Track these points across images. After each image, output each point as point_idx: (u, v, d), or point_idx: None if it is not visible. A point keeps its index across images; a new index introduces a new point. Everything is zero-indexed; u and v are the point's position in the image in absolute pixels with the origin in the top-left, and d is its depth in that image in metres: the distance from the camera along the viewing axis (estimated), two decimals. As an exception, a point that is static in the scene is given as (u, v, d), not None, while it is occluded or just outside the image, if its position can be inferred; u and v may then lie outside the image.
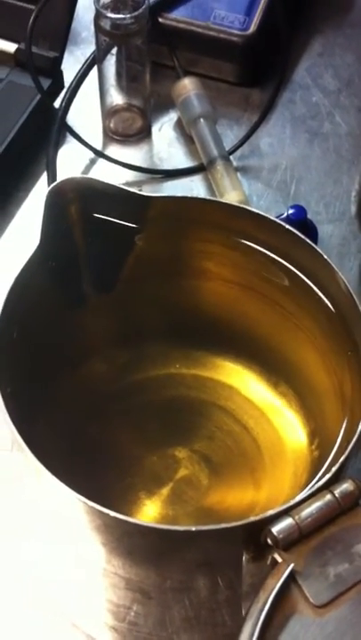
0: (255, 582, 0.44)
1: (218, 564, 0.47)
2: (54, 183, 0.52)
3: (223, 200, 0.67)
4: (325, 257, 0.51)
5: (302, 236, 0.52)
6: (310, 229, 0.69)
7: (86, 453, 0.57)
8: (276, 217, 0.67)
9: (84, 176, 0.53)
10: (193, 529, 0.42)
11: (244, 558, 0.45)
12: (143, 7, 0.70)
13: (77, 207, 0.53)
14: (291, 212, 0.68)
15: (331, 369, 0.54)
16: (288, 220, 0.67)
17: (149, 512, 0.55)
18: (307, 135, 0.78)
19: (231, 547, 0.45)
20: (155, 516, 0.55)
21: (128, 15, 0.70)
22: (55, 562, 0.56)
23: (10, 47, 0.76)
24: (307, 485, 0.52)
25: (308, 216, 0.69)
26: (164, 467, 0.57)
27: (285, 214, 0.68)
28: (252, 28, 0.77)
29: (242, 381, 0.60)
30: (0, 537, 0.58)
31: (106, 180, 0.53)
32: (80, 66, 0.77)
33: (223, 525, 0.42)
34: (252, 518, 0.42)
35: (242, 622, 0.42)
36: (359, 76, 0.82)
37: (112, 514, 0.42)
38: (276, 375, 0.59)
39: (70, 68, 0.77)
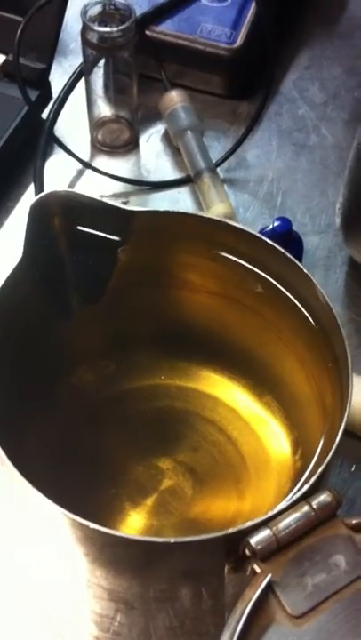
0: (238, 592, 0.44)
1: (201, 574, 0.47)
2: (37, 196, 0.52)
3: (205, 214, 0.67)
4: (305, 270, 0.51)
5: (281, 249, 0.52)
6: (296, 241, 0.70)
7: (72, 463, 0.57)
8: (262, 229, 0.68)
9: (68, 190, 0.54)
10: (172, 541, 0.42)
11: (225, 569, 0.45)
12: (130, 20, 0.70)
13: (61, 220, 0.53)
14: (276, 224, 0.68)
15: (312, 380, 0.54)
16: (273, 232, 0.67)
17: (134, 523, 0.55)
18: (293, 147, 0.78)
19: (213, 557, 0.45)
20: (140, 527, 0.55)
21: (115, 28, 0.70)
22: (42, 571, 0.56)
23: (-2, 58, 0.77)
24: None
25: (294, 228, 0.69)
26: (148, 477, 0.57)
27: (271, 226, 0.68)
28: (239, 41, 0.78)
29: (226, 392, 0.60)
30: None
31: (89, 194, 0.54)
32: (68, 77, 0.78)
33: (202, 537, 0.42)
34: (231, 530, 0.43)
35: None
36: (346, 88, 0.83)
37: (92, 526, 0.42)
38: (261, 386, 0.59)
39: (58, 79, 0.78)
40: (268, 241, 0.52)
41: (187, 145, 0.75)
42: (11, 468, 0.44)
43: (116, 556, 0.46)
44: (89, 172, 0.75)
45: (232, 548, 0.44)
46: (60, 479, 0.53)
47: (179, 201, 0.75)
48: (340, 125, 0.80)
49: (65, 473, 0.56)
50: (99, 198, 0.53)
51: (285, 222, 0.68)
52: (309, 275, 0.51)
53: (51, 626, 0.56)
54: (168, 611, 0.50)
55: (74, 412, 0.59)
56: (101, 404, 0.60)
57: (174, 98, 0.77)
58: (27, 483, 0.44)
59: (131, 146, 0.78)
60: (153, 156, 0.78)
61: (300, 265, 0.51)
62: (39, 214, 0.52)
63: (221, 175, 0.75)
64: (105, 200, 0.53)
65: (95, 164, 0.76)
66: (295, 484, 0.53)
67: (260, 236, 0.53)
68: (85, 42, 0.71)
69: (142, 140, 0.78)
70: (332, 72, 0.84)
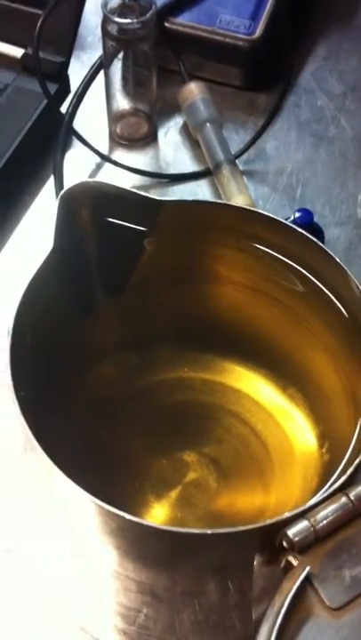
0: (267, 586, 0.44)
1: (229, 568, 0.47)
2: (67, 186, 0.52)
3: (233, 203, 0.67)
4: (337, 259, 0.51)
5: (315, 240, 0.52)
6: (317, 233, 0.69)
7: (96, 456, 0.57)
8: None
9: (96, 180, 0.53)
10: (209, 532, 0.42)
11: (256, 562, 0.45)
12: (150, 12, 0.70)
13: (89, 211, 0.53)
14: (297, 215, 0.68)
15: (342, 373, 0.54)
16: (295, 223, 0.67)
17: (158, 515, 0.55)
18: (312, 139, 0.78)
19: (244, 550, 0.45)
20: (163, 519, 0.55)
21: (135, 20, 0.70)
22: (65, 565, 0.56)
23: (17, 52, 0.76)
24: (317, 489, 0.52)
25: (315, 220, 0.69)
26: (172, 470, 0.57)
27: (292, 218, 0.68)
28: (258, 32, 0.77)
29: (250, 385, 0.60)
30: (8, 537, 0.58)
31: (117, 184, 0.53)
32: (87, 70, 0.77)
33: (240, 528, 0.42)
34: (269, 521, 0.43)
35: (251, 626, 0.42)
36: (364, 79, 0.82)
37: (128, 517, 0.42)
38: (285, 378, 0.59)
39: (77, 72, 0.77)
40: (300, 230, 0.51)
41: (206, 137, 0.75)
42: (44, 458, 0.44)
43: (147, 548, 0.46)
44: (108, 165, 0.75)
45: (265, 540, 0.44)
46: (83, 472, 0.53)
47: (198, 194, 0.74)
48: (359, 117, 0.79)
49: (89, 466, 0.55)
50: (128, 188, 0.53)
51: (307, 214, 0.68)
52: (343, 265, 0.50)
53: (72, 619, 0.55)
54: (194, 605, 0.50)
55: (97, 405, 0.59)
56: (125, 398, 0.59)
57: (193, 90, 0.76)
58: (60, 472, 0.43)
59: (149, 139, 0.78)
60: (172, 148, 0.77)
61: (331, 253, 0.51)
62: (68, 206, 0.52)
63: (241, 167, 0.75)
64: (134, 190, 0.53)
65: (114, 157, 0.76)
66: (323, 478, 0.53)
67: (289, 224, 0.53)
68: (105, 34, 0.71)
69: (161, 132, 0.78)
70: (350, 63, 0.83)
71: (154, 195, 0.73)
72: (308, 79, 0.82)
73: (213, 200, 0.56)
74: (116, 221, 0.54)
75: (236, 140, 0.77)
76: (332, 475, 0.50)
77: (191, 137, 0.77)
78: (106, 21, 0.70)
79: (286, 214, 0.69)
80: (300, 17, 0.84)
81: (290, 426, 0.58)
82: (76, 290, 0.56)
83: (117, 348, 0.60)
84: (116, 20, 0.70)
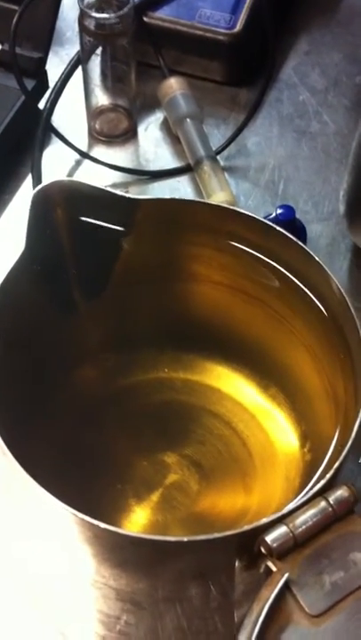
0: (248, 590, 0.43)
1: (210, 572, 0.46)
2: (39, 186, 0.51)
3: (211, 201, 0.66)
4: (317, 259, 0.50)
5: (293, 238, 0.51)
6: (299, 229, 0.69)
7: (76, 458, 0.56)
8: (265, 217, 0.67)
9: (70, 179, 0.53)
10: (185, 539, 0.42)
11: (236, 566, 0.44)
12: (128, 6, 0.69)
13: (63, 210, 0.52)
14: (279, 211, 0.67)
15: (323, 372, 0.53)
16: (277, 220, 0.66)
17: (139, 519, 0.55)
18: (294, 134, 0.77)
19: (224, 555, 0.44)
20: (145, 522, 0.55)
21: (113, 15, 0.69)
22: (44, 570, 0.55)
23: (-7, 48, 0.75)
24: (300, 490, 0.51)
25: (297, 216, 0.68)
26: (153, 472, 0.56)
27: (274, 214, 0.67)
28: (238, 26, 0.76)
29: (231, 385, 0.59)
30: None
31: (92, 183, 0.53)
32: (65, 66, 0.76)
33: (216, 535, 0.41)
34: (246, 527, 0.42)
35: (234, 630, 0.41)
36: (346, 74, 0.81)
37: (103, 526, 0.41)
38: (267, 378, 0.59)
39: (55, 68, 0.77)
40: (279, 229, 0.51)
41: (186, 133, 0.74)
42: (17, 467, 0.43)
43: (125, 555, 0.46)
44: (87, 162, 0.74)
45: (245, 546, 0.43)
46: (63, 475, 0.53)
47: (179, 190, 0.74)
48: (341, 112, 0.79)
49: (69, 469, 0.55)
50: (102, 187, 0.52)
51: (289, 210, 0.67)
52: (322, 264, 0.50)
53: (52, 625, 0.55)
54: (176, 610, 0.49)
55: (77, 407, 0.58)
56: (105, 399, 0.59)
57: (173, 85, 0.76)
58: (34, 482, 0.43)
59: (129, 135, 0.77)
60: (152, 144, 0.77)
61: (311, 253, 0.50)
62: (41, 205, 0.51)
63: (222, 163, 0.74)
64: (108, 189, 0.52)
65: (93, 153, 0.75)
66: (305, 478, 0.52)
67: (269, 223, 0.52)
68: (83, 29, 0.70)
69: (141, 128, 0.77)
70: (332, 58, 0.82)
71: (134, 191, 0.73)
72: (289, 74, 0.81)
73: (190, 198, 0.55)
74: (92, 221, 0.53)
75: (217, 136, 0.76)
76: (315, 475, 0.50)
77: (172, 133, 0.76)
78: (83, 16, 0.69)
79: (268, 210, 0.69)
80: (281, 11, 0.83)
81: (272, 426, 0.58)
82: (53, 290, 0.55)
83: (97, 349, 0.59)
84: (94, 14, 0.69)
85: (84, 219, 0.53)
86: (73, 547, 0.47)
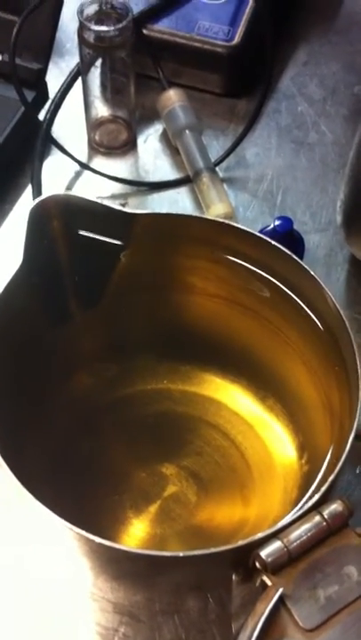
0: (246, 602, 0.43)
1: (207, 585, 0.47)
2: (37, 199, 0.51)
3: (207, 216, 0.67)
4: (312, 273, 0.50)
5: (288, 252, 0.51)
6: (297, 240, 0.69)
7: (73, 469, 0.56)
8: (263, 228, 0.67)
9: (68, 193, 0.53)
10: (181, 554, 0.42)
11: (233, 580, 0.44)
12: (127, 19, 0.69)
13: (61, 223, 0.53)
14: (277, 223, 0.67)
15: (319, 384, 0.54)
16: (275, 231, 0.66)
17: (137, 532, 0.55)
18: (293, 145, 0.77)
19: (220, 568, 0.44)
20: (143, 535, 0.55)
21: (112, 27, 0.69)
22: (42, 583, 0.55)
23: (-7, 59, 0.75)
24: (298, 502, 0.51)
25: (295, 226, 0.68)
26: (151, 483, 0.56)
27: (272, 226, 0.67)
28: (237, 38, 0.77)
29: (229, 396, 0.59)
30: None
31: (89, 197, 0.53)
32: (65, 78, 0.76)
33: (211, 550, 0.42)
34: (240, 542, 0.42)
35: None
36: (344, 84, 0.82)
37: (98, 540, 0.41)
38: (264, 389, 0.59)
39: (55, 79, 0.77)
40: (273, 243, 0.51)
41: (185, 144, 0.74)
42: (13, 479, 0.43)
43: (123, 569, 0.46)
44: (87, 173, 0.74)
45: (241, 560, 0.43)
46: (60, 486, 0.53)
47: (178, 201, 0.74)
48: (339, 122, 0.79)
49: (66, 480, 0.55)
50: (99, 201, 0.52)
51: (287, 221, 0.67)
52: (317, 277, 0.50)
53: (51, 637, 0.54)
54: (174, 622, 0.49)
55: (74, 417, 0.58)
56: (102, 410, 0.59)
57: (172, 97, 0.76)
58: (30, 496, 0.43)
59: (129, 146, 0.77)
60: (151, 156, 0.77)
61: (306, 267, 0.50)
62: (38, 218, 0.51)
63: (221, 174, 0.74)
64: (105, 203, 0.52)
65: (93, 165, 0.75)
66: (302, 489, 0.52)
67: (264, 237, 0.52)
68: (82, 41, 0.70)
69: (140, 140, 0.77)
70: (330, 68, 0.82)
71: (133, 202, 0.74)
72: (288, 84, 0.81)
73: (186, 213, 0.55)
74: (88, 234, 0.53)
75: (216, 147, 0.76)
76: (312, 487, 0.50)
77: (171, 144, 0.76)
78: (82, 29, 0.69)
79: (267, 221, 0.69)
80: (279, 22, 0.83)
81: (269, 437, 0.58)
82: (50, 302, 0.55)
83: (94, 360, 0.59)
84: (93, 27, 0.69)
85: (81, 232, 0.53)
86: (72, 558, 0.47)
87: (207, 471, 0.57)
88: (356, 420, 0.46)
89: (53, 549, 0.50)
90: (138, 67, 0.74)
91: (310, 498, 0.44)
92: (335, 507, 0.43)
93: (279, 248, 0.51)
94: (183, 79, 0.79)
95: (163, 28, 0.77)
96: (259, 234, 0.52)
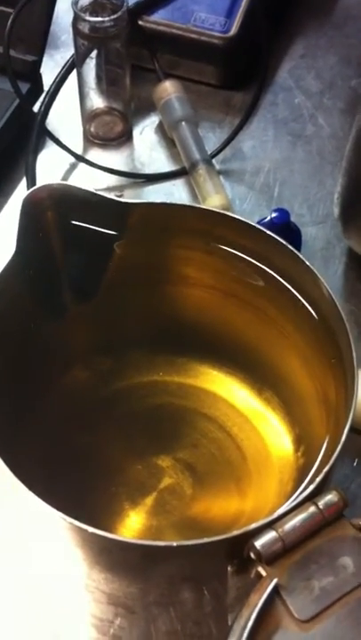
0: (241, 594, 0.43)
1: (202, 577, 0.46)
2: (29, 190, 0.51)
3: (203, 206, 0.66)
4: (308, 263, 0.50)
5: (284, 242, 0.51)
6: (294, 232, 0.68)
7: (69, 462, 0.56)
8: (260, 220, 0.67)
9: (61, 182, 0.52)
10: (174, 544, 0.41)
11: (228, 571, 0.44)
12: (122, 10, 0.69)
13: (54, 214, 0.52)
14: (274, 215, 0.67)
15: (314, 376, 0.53)
16: (271, 223, 0.66)
17: (133, 523, 0.54)
18: (289, 137, 0.77)
19: (215, 559, 0.44)
20: (139, 527, 0.54)
21: (107, 18, 0.69)
22: (38, 574, 0.55)
23: (-13, 51, 0.75)
24: (293, 494, 0.51)
25: (292, 219, 0.68)
26: (148, 476, 0.56)
27: (269, 218, 0.67)
28: (234, 30, 0.76)
29: (225, 388, 0.59)
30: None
31: (84, 187, 0.52)
32: (59, 69, 0.76)
33: (205, 540, 0.41)
34: (235, 532, 0.42)
35: (228, 633, 0.41)
36: (341, 77, 0.81)
37: (91, 530, 0.41)
38: (261, 381, 0.58)
39: (49, 71, 0.77)
40: (269, 233, 0.51)
41: (181, 136, 0.74)
42: (7, 473, 0.43)
43: (116, 559, 0.45)
44: (82, 165, 0.74)
45: (235, 551, 0.43)
46: (56, 479, 0.53)
47: (174, 193, 0.74)
48: (336, 115, 0.79)
49: (62, 473, 0.55)
50: (93, 191, 0.52)
51: (284, 213, 0.67)
52: (313, 268, 0.49)
53: (47, 628, 0.55)
54: (169, 614, 0.49)
55: (70, 410, 0.58)
56: (98, 403, 0.59)
57: (168, 88, 0.76)
58: (24, 488, 0.42)
59: (124, 138, 0.77)
60: (147, 148, 0.77)
61: (302, 258, 0.50)
62: (32, 209, 0.51)
63: (217, 166, 0.74)
64: (100, 193, 0.52)
65: (88, 156, 0.75)
66: (298, 482, 0.52)
67: (260, 227, 0.52)
68: (77, 32, 0.70)
69: (136, 131, 0.77)
70: (327, 61, 0.82)
71: (129, 195, 0.73)
72: (285, 77, 0.81)
73: (181, 203, 0.55)
74: (82, 224, 0.53)
75: (213, 139, 0.76)
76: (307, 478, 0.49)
77: (167, 136, 0.76)
78: (77, 20, 0.69)
79: (263, 214, 0.69)
80: (276, 14, 0.83)
81: (266, 429, 0.58)
82: (44, 294, 0.55)
83: (90, 352, 0.59)
84: (88, 18, 0.69)
85: (75, 222, 0.53)
86: (64, 551, 0.47)
87: (203, 463, 0.57)
88: (352, 412, 0.46)
89: (49, 542, 0.50)
90: (133, 58, 0.74)
91: (305, 488, 0.44)
92: (330, 497, 0.42)
93: (276, 239, 0.51)
94: (179, 71, 0.79)
95: (159, 19, 0.77)
96: (254, 223, 0.52)
